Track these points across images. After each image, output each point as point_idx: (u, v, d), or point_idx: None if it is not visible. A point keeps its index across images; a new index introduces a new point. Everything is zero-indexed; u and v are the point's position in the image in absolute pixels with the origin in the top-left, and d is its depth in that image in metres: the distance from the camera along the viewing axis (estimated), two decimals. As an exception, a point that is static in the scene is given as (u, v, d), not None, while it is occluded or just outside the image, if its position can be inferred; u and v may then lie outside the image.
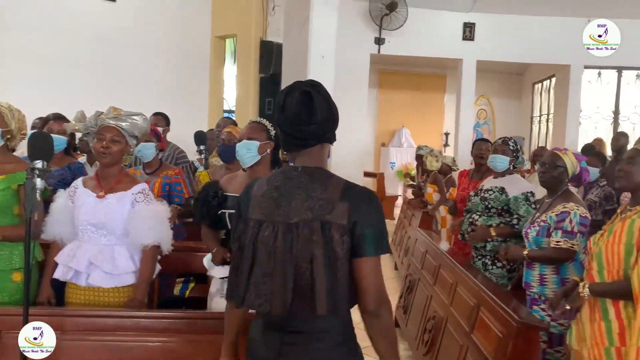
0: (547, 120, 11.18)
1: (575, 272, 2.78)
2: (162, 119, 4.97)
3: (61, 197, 2.50)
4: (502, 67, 11.11)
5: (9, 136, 2.51)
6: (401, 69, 11.96)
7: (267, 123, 2.54)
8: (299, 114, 1.56)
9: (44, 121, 3.57)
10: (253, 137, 2.46)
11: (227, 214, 2.43)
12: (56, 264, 2.45)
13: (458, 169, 6.13)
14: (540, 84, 11.74)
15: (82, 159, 4.14)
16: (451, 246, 4.55)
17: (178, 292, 3.65)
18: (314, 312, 1.49)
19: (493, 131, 12.73)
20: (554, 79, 10.83)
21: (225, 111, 8.71)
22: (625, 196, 3.92)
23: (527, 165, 6.57)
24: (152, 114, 4.90)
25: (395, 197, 10.96)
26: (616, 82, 10.24)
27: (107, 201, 2.40)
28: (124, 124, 2.43)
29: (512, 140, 3.77)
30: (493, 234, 3.49)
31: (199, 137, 5.13)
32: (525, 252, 2.94)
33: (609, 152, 6.38)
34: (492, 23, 9.37)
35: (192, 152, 4.94)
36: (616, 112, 10.35)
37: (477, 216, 3.64)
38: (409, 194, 7.28)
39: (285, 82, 7.20)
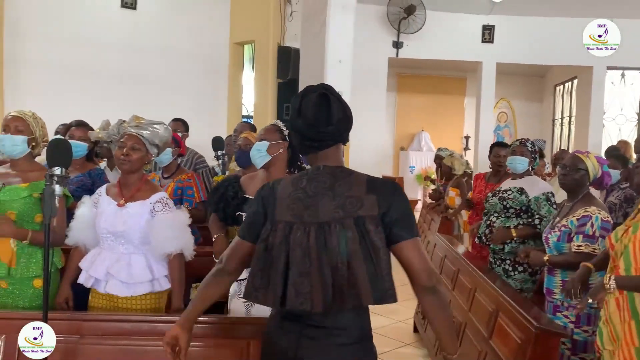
0: (570, 123, 11.01)
1: (598, 277, 2.72)
2: (181, 124, 5.03)
3: (86, 204, 2.57)
4: (522, 69, 10.96)
5: (33, 144, 2.58)
6: (420, 72, 11.91)
7: (281, 124, 2.59)
8: (318, 117, 1.62)
9: (66, 128, 3.64)
10: (265, 139, 2.52)
11: (244, 217, 2.47)
12: (79, 269, 2.51)
13: (472, 172, 6.05)
14: (562, 86, 11.57)
15: (103, 164, 4.21)
16: (469, 249, 4.49)
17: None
18: (356, 305, 1.53)
19: (514, 134, 12.58)
20: (575, 81, 10.65)
21: (243, 116, 8.76)
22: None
23: (549, 169, 6.46)
24: (172, 119, 4.96)
25: (415, 202, 10.89)
26: (640, 83, 10.05)
27: (126, 210, 2.44)
28: (145, 132, 2.49)
29: (530, 142, 3.74)
30: (514, 234, 3.46)
31: (217, 143, 5.18)
32: (545, 258, 2.88)
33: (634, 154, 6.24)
34: (512, 25, 9.25)
35: (210, 158, 4.99)
36: (640, 114, 10.16)
37: (495, 218, 3.61)
38: (429, 199, 7.21)
39: (303, 87, 7.21)
